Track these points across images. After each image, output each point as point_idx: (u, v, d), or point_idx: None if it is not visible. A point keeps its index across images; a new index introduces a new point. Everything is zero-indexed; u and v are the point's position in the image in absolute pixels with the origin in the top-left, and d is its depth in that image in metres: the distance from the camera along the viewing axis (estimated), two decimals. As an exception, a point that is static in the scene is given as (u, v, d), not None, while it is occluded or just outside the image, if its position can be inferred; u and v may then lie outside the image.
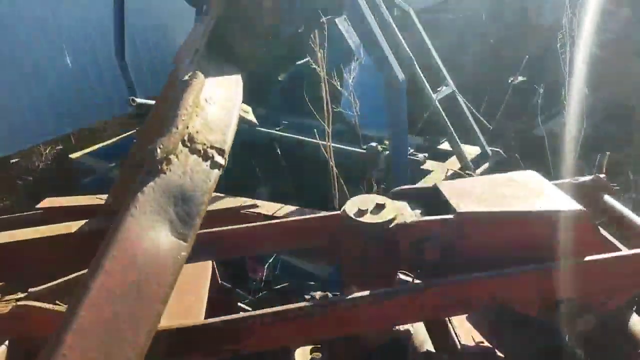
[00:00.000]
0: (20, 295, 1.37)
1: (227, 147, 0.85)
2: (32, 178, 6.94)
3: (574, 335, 1.12)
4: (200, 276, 1.19)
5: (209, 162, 0.86)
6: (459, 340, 1.27)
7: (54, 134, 7.24)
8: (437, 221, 1.09)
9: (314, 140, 3.48)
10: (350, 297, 0.99)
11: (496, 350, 1.30)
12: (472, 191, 1.17)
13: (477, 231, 1.08)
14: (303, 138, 3.83)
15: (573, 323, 1.11)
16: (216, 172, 0.87)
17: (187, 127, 0.78)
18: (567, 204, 1.11)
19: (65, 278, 1.34)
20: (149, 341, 0.68)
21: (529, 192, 1.15)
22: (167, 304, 0.74)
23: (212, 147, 0.81)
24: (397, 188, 1.28)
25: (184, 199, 0.81)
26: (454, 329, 1.30)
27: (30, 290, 1.36)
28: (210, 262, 1.27)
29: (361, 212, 1.14)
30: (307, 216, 1.39)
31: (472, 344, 1.28)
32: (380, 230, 1.09)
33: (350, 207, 1.16)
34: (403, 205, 1.20)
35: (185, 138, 0.78)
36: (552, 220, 1.07)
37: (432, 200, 1.22)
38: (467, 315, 1.42)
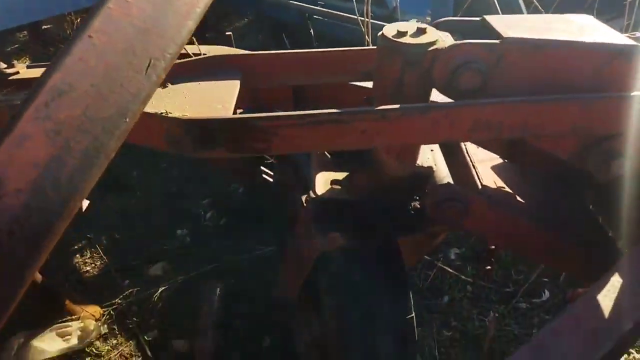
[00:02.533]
0: None
1: None
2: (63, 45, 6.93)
3: (605, 178, 1.10)
4: (228, 89, 1.20)
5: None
6: (480, 182, 1.27)
7: (85, 4, 7.07)
8: (481, 45, 1.03)
9: (350, 15, 3.33)
10: (383, 107, 0.97)
11: (517, 197, 1.31)
12: (522, 24, 1.10)
13: (522, 59, 1.02)
14: (338, 13, 3.65)
15: (606, 166, 1.09)
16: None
17: None
18: (620, 39, 1.04)
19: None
20: (178, 50, 0.66)
21: (582, 28, 1.07)
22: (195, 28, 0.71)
23: None
24: (439, 20, 1.21)
25: None
26: (477, 172, 1.30)
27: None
28: (238, 82, 1.26)
29: (400, 34, 1.09)
30: (342, 48, 1.34)
31: (493, 186, 1.29)
32: (421, 51, 1.05)
33: (390, 29, 1.11)
34: (445, 34, 1.15)
35: None
36: (604, 53, 1.00)
37: (477, 32, 1.16)
38: (492, 165, 1.42)
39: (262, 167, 2.69)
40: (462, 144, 1.42)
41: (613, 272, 1.03)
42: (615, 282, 1.00)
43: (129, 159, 3.98)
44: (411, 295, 1.59)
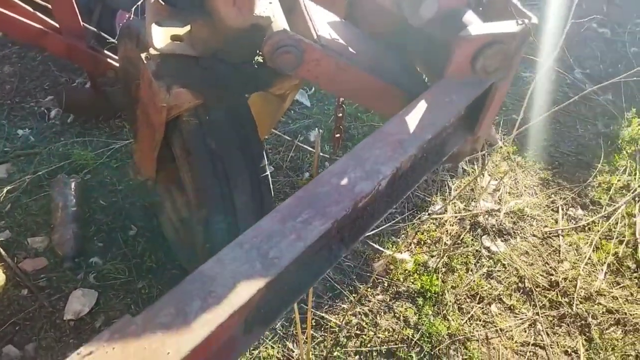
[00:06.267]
0: None
1: None
2: None
3: (417, 22, 1.25)
4: None
5: None
6: (316, 32, 1.35)
7: None
8: None
9: None
10: None
11: (350, 48, 1.43)
12: None
13: None
14: None
15: (417, 10, 1.23)
16: None
17: None
18: None
19: None
20: None
21: None
22: None
23: None
24: None
25: None
26: (313, 24, 1.38)
27: None
28: None
29: None
30: None
31: (328, 37, 1.38)
32: None
33: None
34: None
35: None
36: None
37: None
38: (329, 21, 1.50)
39: (106, 52, 2.50)
40: (301, 0, 1.47)
41: (420, 99, 1.21)
42: (420, 106, 1.19)
43: (-57, 55, 3.39)
44: (265, 155, 1.69)
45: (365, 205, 1.05)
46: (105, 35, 2.53)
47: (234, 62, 1.39)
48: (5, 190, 2.45)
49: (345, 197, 0.95)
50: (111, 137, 2.86)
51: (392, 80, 1.47)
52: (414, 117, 1.16)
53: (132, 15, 2.65)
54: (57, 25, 2.36)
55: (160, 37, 1.34)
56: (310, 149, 2.88)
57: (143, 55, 1.36)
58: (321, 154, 2.88)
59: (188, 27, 1.39)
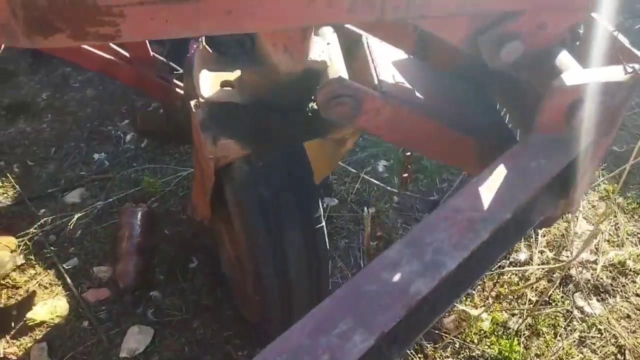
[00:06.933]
0: None
1: None
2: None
3: (498, 64, 1.04)
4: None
5: None
6: (377, 77, 1.19)
7: None
8: None
9: None
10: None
11: (416, 92, 1.24)
12: None
13: None
14: None
15: (498, 51, 1.02)
16: None
17: None
18: None
19: None
20: None
21: None
22: None
23: None
24: None
25: None
26: (375, 66, 1.21)
27: None
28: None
29: None
30: None
31: (391, 82, 1.21)
32: None
33: None
34: None
35: None
36: None
37: None
38: (393, 61, 1.33)
39: (176, 81, 2.50)
40: (364, 38, 1.31)
41: (497, 164, 0.99)
42: (498, 172, 0.97)
43: (35, 80, 3.64)
44: (321, 205, 1.55)
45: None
46: (173, 65, 2.54)
47: (286, 109, 1.26)
48: (76, 216, 2.52)
49: (396, 300, 0.77)
50: (180, 164, 2.87)
51: (468, 127, 1.26)
52: (490, 188, 0.95)
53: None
54: (127, 55, 2.39)
55: (210, 82, 1.25)
56: (378, 182, 2.69)
57: (192, 103, 1.27)
58: (389, 187, 2.68)
59: (239, 72, 1.28)
